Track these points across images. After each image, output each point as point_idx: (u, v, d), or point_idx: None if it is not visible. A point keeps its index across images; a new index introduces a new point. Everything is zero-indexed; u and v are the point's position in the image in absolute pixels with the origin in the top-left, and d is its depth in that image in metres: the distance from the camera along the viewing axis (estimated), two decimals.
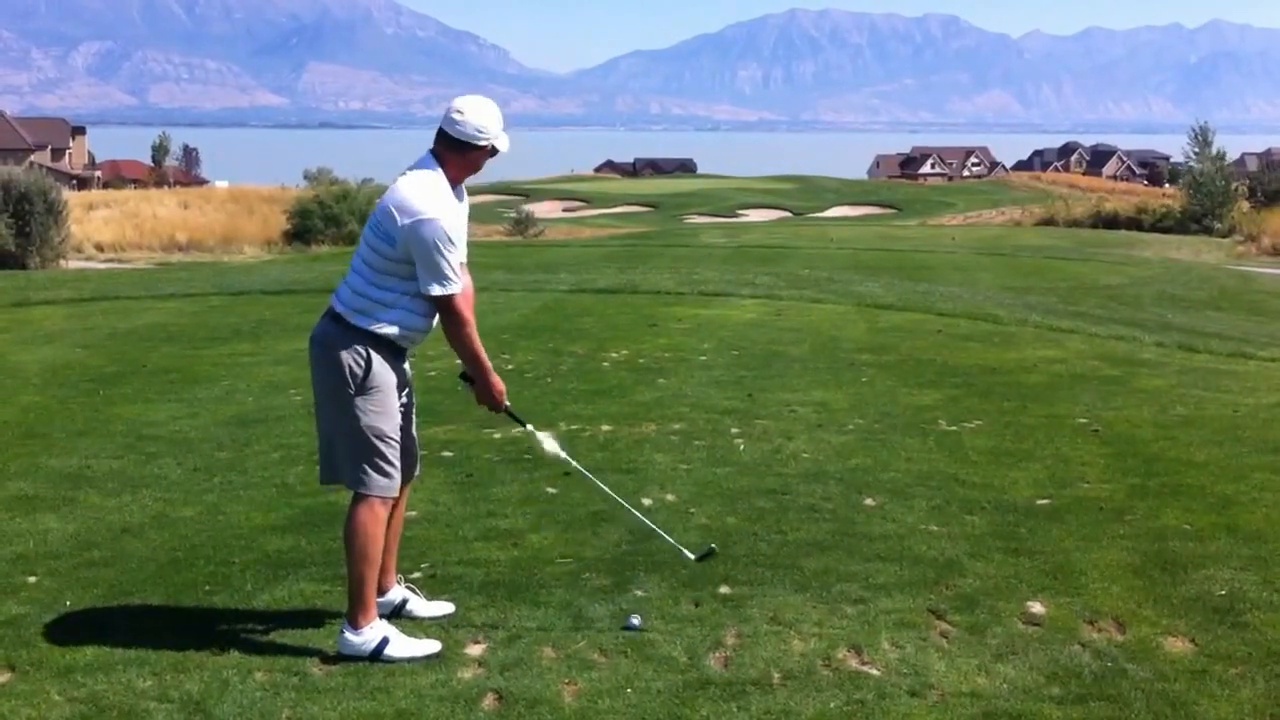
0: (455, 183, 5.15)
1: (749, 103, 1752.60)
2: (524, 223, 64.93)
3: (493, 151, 5.17)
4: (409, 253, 4.98)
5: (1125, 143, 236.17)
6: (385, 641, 5.04)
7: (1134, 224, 69.12)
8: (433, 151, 5.14)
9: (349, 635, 5.05)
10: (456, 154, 5.11)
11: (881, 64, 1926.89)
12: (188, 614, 5.49)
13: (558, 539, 6.54)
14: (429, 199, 4.99)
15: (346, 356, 5.07)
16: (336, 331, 5.10)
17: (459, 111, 5.07)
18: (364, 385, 5.08)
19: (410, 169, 5.12)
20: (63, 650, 5.07)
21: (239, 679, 4.81)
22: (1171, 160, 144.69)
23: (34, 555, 6.34)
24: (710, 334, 13.96)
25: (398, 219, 4.95)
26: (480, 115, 5.08)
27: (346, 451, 5.14)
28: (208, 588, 5.82)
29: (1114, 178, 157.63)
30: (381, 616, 5.22)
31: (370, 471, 5.11)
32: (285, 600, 5.66)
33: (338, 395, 5.10)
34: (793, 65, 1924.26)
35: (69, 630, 5.28)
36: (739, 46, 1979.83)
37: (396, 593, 5.49)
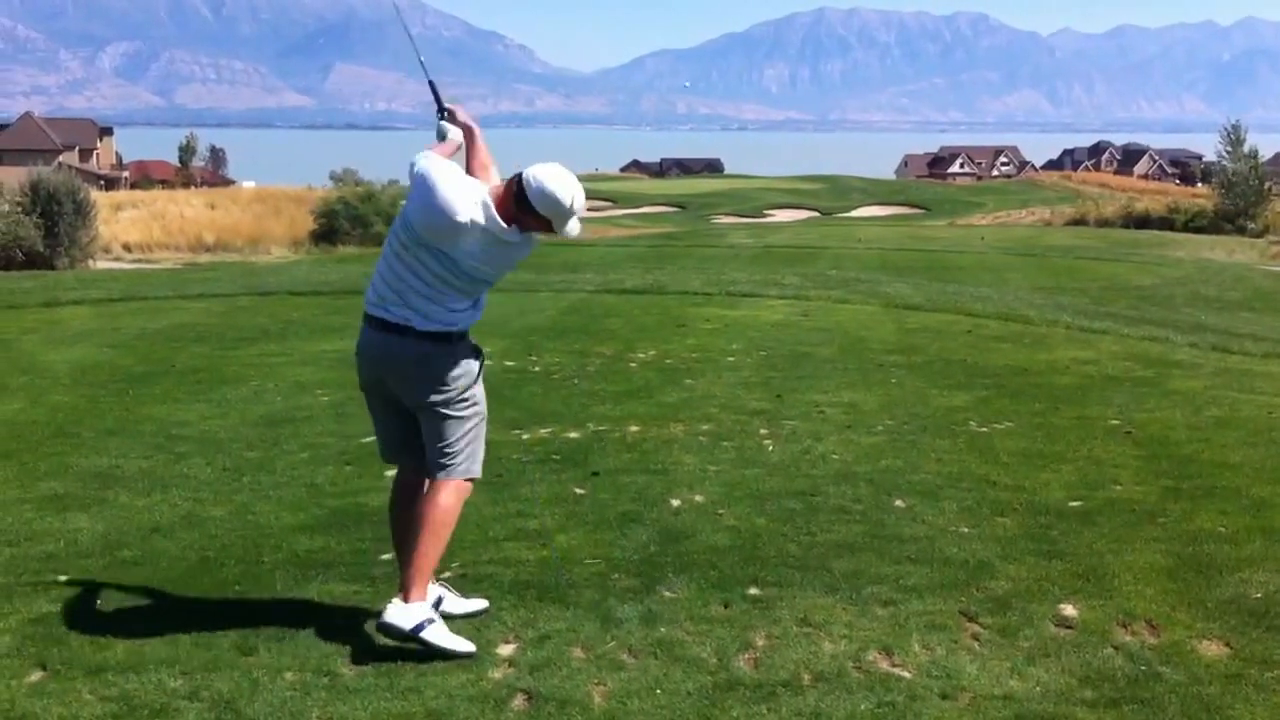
0: (511, 222, 5.06)
1: (776, 102, 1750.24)
2: None
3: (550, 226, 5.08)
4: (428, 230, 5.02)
5: (1157, 142, 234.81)
6: (429, 622, 5.04)
7: (1166, 224, 68.88)
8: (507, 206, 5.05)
9: (397, 603, 5.06)
10: (519, 209, 5.04)
11: (910, 63, 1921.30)
12: (218, 613, 5.48)
13: (586, 539, 6.53)
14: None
15: (457, 366, 5.21)
16: (434, 348, 5.16)
17: (537, 179, 4.98)
18: (476, 379, 5.30)
19: None
20: (94, 649, 5.08)
21: (269, 679, 4.81)
22: (1204, 159, 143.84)
23: (64, 554, 6.36)
24: (738, 335, 13.93)
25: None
26: (557, 189, 4.99)
27: (468, 445, 5.30)
28: (238, 587, 5.83)
29: (1146, 177, 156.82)
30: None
31: (478, 455, 5.35)
32: (315, 600, 5.66)
33: (458, 401, 5.24)
34: (820, 64, 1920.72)
35: (100, 629, 5.29)
36: (766, 45, 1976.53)
37: (432, 591, 5.48)
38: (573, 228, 5.11)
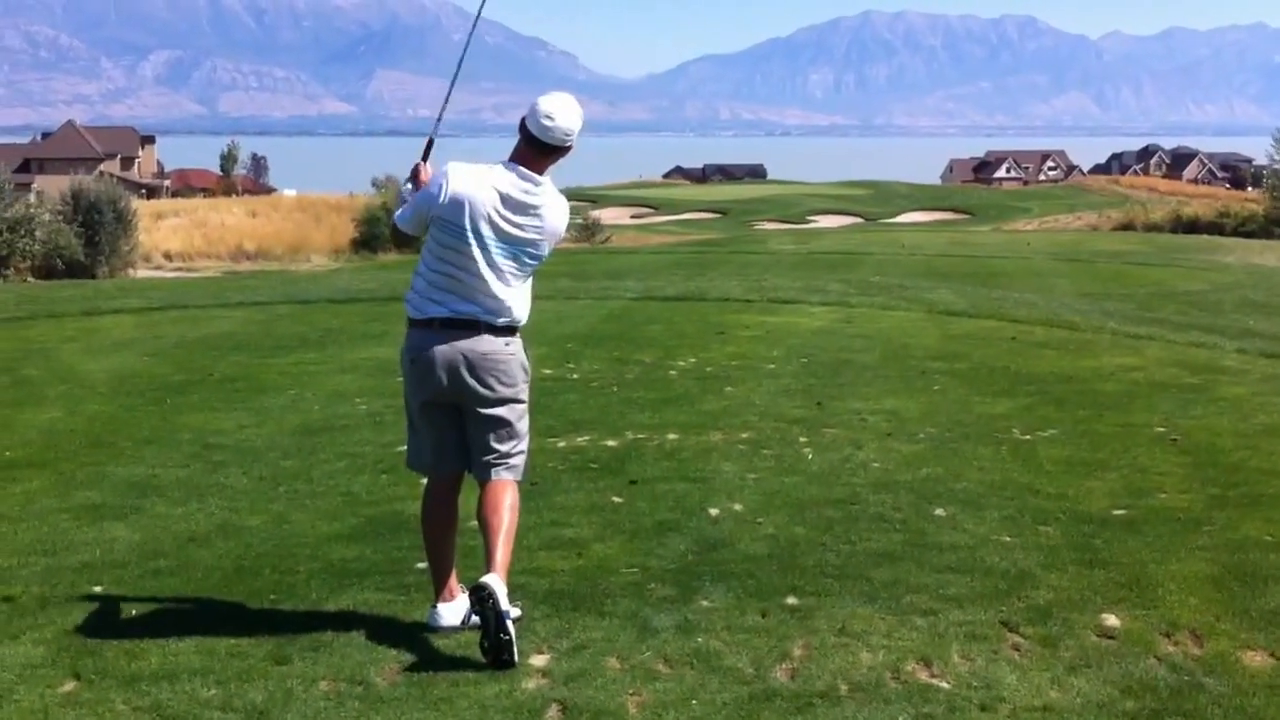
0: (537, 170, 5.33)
1: (820, 107, 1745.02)
2: (591, 229, 65.08)
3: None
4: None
5: (1207, 145, 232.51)
6: (508, 615, 5.03)
7: (1215, 228, 68.31)
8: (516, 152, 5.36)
9: (502, 580, 5.10)
10: (538, 152, 5.31)
11: (956, 66, 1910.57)
12: (252, 623, 5.47)
13: (623, 548, 6.49)
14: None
15: (522, 357, 5.41)
16: (506, 340, 5.34)
17: (549, 117, 5.24)
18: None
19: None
20: (128, 659, 5.07)
21: (302, 688, 4.79)
22: (1255, 163, 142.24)
23: (100, 564, 6.38)
24: (779, 341, 13.86)
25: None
26: (568, 118, 5.29)
27: (528, 444, 5.53)
28: (273, 596, 5.82)
29: (1195, 181, 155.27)
30: (460, 625, 5.35)
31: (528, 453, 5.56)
32: (350, 609, 5.64)
33: (523, 396, 5.45)
34: (865, 69, 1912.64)
35: (134, 639, 5.28)
36: (810, 50, 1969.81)
37: (463, 601, 5.47)
38: (571, 120, 5.29)
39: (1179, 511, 7.10)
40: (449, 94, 6.11)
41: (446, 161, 5.38)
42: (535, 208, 5.29)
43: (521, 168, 5.28)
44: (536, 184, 5.29)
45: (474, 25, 6.25)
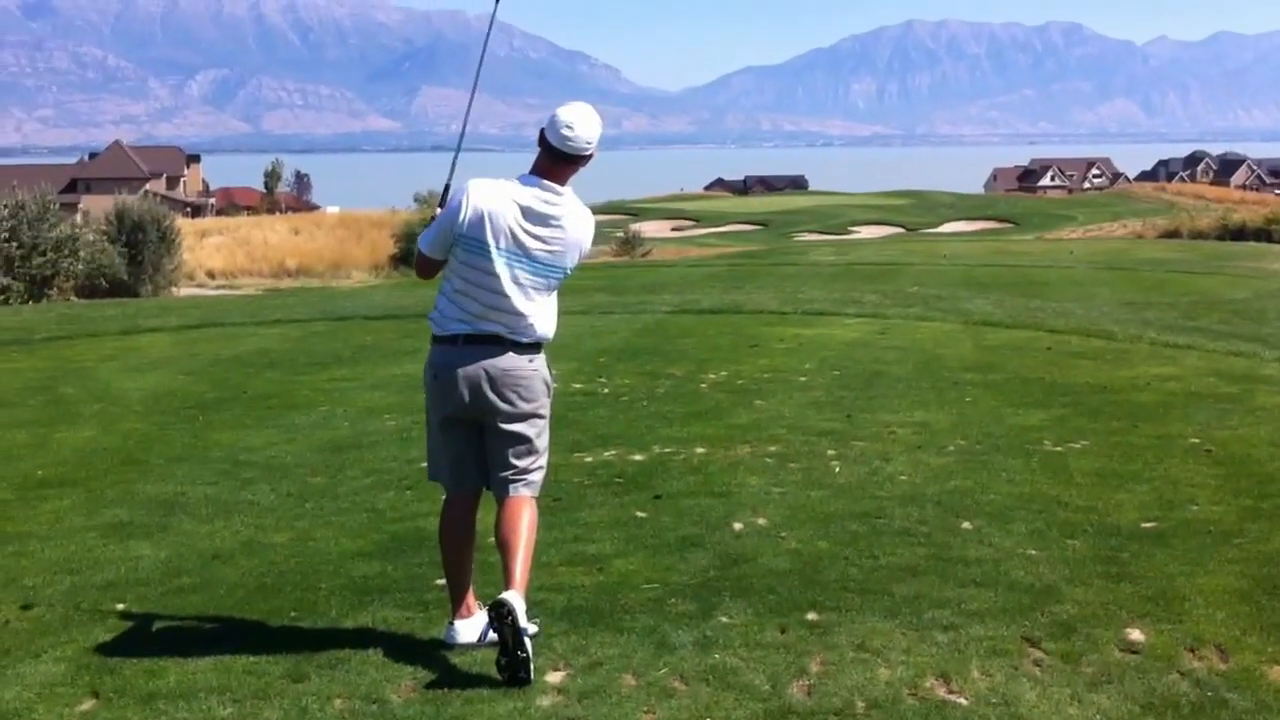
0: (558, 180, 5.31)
1: (863, 117, 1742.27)
2: (631, 242, 65.17)
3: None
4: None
5: (1255, 151, 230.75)
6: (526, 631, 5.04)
7: (1263, 235, 67.71)
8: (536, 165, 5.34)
9: (521, 597, 5.09)
10: (559, 163, 5.28)
11: (1000, 74, 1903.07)
12: (272, 640, 5.49)
13: (644, 564, 6.45)
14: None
15: (545, 373, 5.41)
16: (530, 357, 5.34)
17: (569, 127, 5.20)
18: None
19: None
20: (146, 677, 5.09)
21: (318, 706, 4.80)
22: None
23: (124, 582, 6.41)
24: (812, 354, 13.80)
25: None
26: (589, 128, 5.24)
27: (547, 459, 5.53)
28: (293, 614, 5.83)
29: (1243, 187, 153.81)
30: (477, 641, 5.35)
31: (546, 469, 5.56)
32: (369, 626, 5.64)
33: (544, 411, 5.45)
34: (908, 78, 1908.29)
35: (154, 657, 5.30)
36: (853, 60, 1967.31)
37: (481, 617, 5.47)
38: (587, 129, 5.27)
39: (1209, 524, 7.01)
40: (471, 101, 6.11)
41: (468, 179, 5.38)
42: (556, 219, 5.25)
43: (543, 180, 5.26)
44: (558, 194, 5.26)
45: (490, 28, 6.20)
